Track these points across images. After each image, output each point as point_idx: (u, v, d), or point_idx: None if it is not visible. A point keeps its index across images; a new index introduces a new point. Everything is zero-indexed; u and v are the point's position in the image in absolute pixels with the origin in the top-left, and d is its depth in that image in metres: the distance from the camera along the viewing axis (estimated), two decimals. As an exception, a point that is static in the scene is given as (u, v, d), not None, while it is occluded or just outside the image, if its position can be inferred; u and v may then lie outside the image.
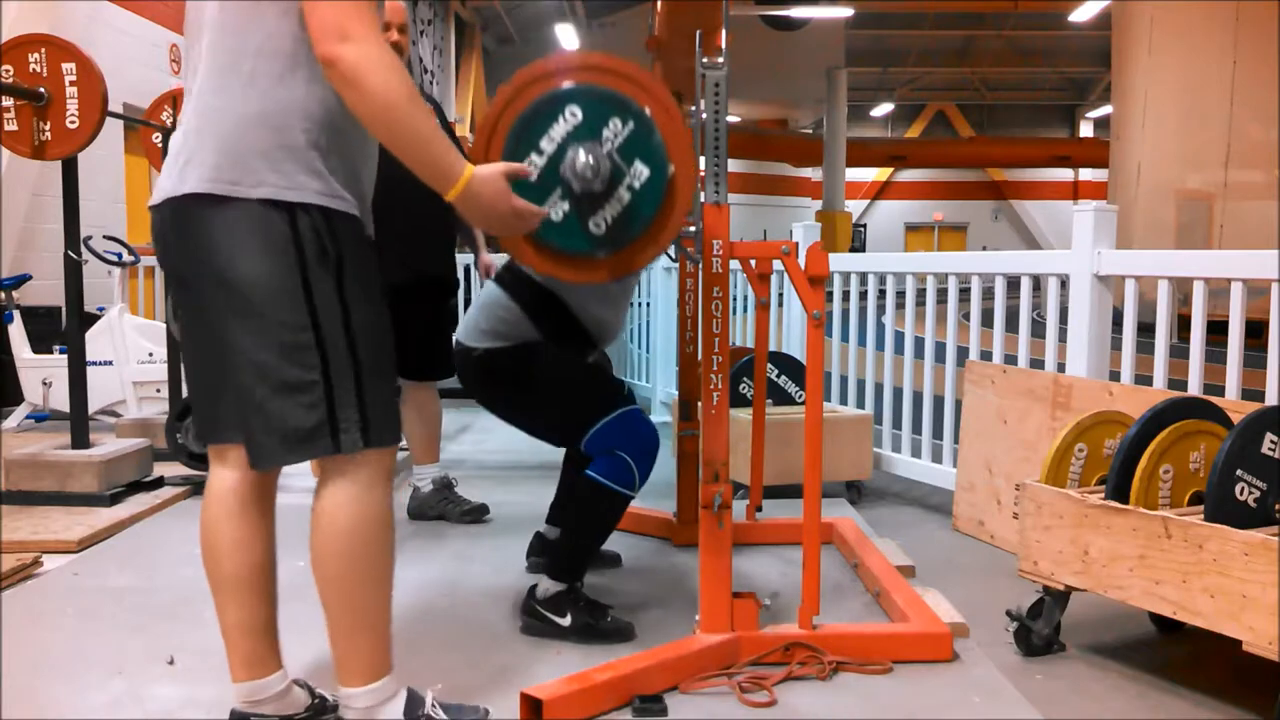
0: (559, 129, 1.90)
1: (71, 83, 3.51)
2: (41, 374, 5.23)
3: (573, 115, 1.91)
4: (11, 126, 3.53)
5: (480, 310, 2.60)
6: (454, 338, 2.64)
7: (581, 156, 1.87)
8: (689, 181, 2.00)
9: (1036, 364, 3.44)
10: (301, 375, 1.65)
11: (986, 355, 3.66)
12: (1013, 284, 3.56)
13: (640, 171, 1.93)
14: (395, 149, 1.65)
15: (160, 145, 4.37)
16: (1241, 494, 2.07)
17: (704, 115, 2.19)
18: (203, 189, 1.65)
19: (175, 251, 1.73)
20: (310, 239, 1.66)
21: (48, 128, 3.53)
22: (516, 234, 1.84)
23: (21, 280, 5.29)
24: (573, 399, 2.49)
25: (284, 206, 1.65)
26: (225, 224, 1.65)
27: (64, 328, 4.48)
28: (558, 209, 1.91)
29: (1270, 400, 2.63)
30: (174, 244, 1.72)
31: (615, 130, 1.91)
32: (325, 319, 1.66)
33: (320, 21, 1.58)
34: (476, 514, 3.52)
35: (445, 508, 3.53)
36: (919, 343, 3.94)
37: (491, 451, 4.74)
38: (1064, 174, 31.08)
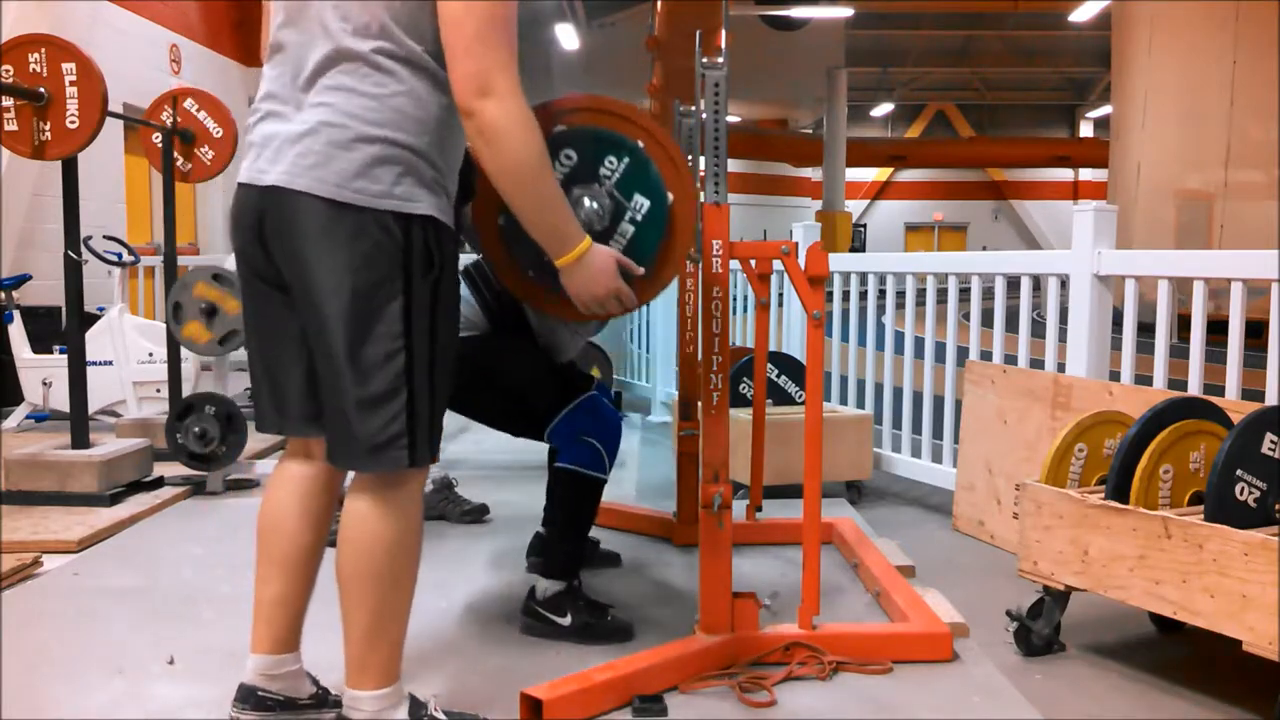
0: (556, 173, 1.92)
1: (71, 83, 3.51)
2: (41, 374, 5.23)
3: (568, 159, 1.94)
4: (11, 126, 3.52)
5: None
6: None
7: (587, 203, 1.91)
8: (689, 213, 2.02)
9: (1036, 364, 3.44)
10: (388, 387, 1.64)
11: (986, 355, 3.66)
12: (1013, 284, 3.56)
13: (640, 204, 1.96)
14: (518, 207, 1.70)
15: (160, 145, 4.36)
16: (1241, 494, 2.06)
17: (704, 115, 2.19)
18: (323, 192, 1.61)
19: (274, 245, 1.68)
20: (420, 253, 1.64)
21: (48, 128, 3.52)
22: (604, 314, 1.87)
23: (21, 280, 5.29)
24: (530, 390, 2.49)
25: (402, 218, 1.63)
26: (341, 231, 1.61)
27: (64, 328, 4.48)
28: None
29: (1270, 400, 2.63)
30: (273, 236, 1.67)
31: (611, 168, 1.95)
32: (417, 334, 1.66)
33: (463, 72, 1.59)
34: (476, 514, 3.52)
35: (445, 508, 3.53)
36: (919, 343, 3.94)
37: (491, 451, 4.73)
38: (1064, 174, 31.06)
